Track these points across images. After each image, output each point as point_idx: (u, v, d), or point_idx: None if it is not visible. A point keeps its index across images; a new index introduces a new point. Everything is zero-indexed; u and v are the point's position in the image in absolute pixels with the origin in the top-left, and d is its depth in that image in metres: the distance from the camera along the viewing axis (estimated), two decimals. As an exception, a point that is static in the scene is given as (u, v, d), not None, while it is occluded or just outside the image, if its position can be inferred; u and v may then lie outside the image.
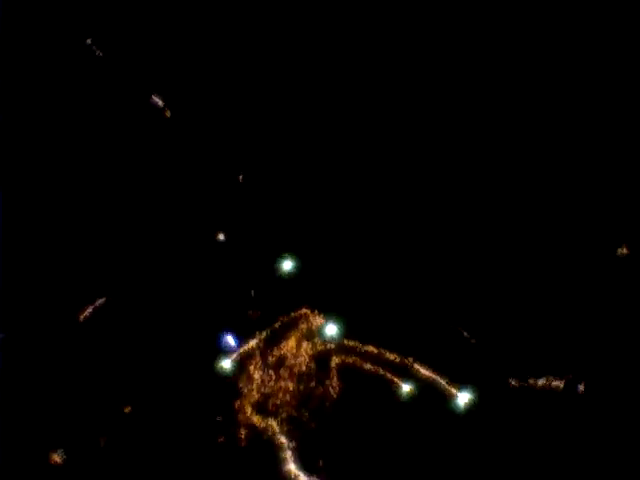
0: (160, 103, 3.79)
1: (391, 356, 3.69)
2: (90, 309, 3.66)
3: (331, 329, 3.72)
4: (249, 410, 3.63)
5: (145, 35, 3.82)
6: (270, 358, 3.69)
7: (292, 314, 3.74)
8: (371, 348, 3.70)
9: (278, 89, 3.84)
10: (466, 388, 3.63)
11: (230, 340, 3.67)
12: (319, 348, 3.72)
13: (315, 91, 3.84)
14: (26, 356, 3.63)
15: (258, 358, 3.68)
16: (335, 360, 3.71)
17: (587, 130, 3.75)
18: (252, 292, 3.70)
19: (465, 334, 3.69)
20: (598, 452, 3.53)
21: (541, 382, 3.62)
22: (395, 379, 3.66)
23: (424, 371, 3.66)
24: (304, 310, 3.75)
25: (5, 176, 3.71)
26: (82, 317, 3.65)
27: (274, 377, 3.67)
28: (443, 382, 3.64)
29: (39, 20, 3.78)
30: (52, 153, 3.79)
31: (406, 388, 3.65)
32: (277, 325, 3.73)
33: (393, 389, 3.66)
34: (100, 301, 3.68)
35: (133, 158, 3.81)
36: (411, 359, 3.66)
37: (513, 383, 3.63)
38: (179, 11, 3.83)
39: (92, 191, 3.78)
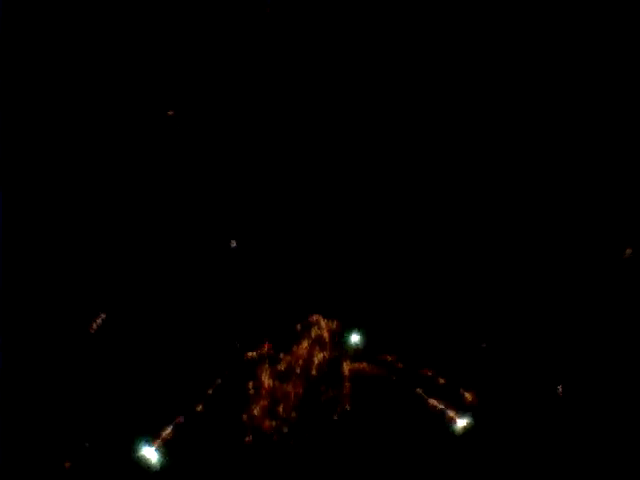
0: (170, 113, 3.78)
1: (405, 364, 3.67)
2: (101, 317, 3.64)
3: (344, 336, 3.70)
4: (258, 416, 3.61)
5: (149, 37, 3.82)
6: (281, 364, 3.67)
7: (305, 320, 3.72)
8: (385, 355, 3.68)
9: (291, 99, 3.84)
10: (481, 397, 3.62)
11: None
12: (331, 355, 3.70)
13: (322, 97, 3.84)
14: (31, 361, 3.61)
15: (268, 364, 3.66)
16: (347, 367, 3.69)
17: (588, 131, 3.76)
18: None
19: (480, 342, 3.68)
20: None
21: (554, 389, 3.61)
22: (409, 388, 3.65)
23: (438, 378, 3.65)
24: (317, 316, 3.73)
25: (6, 177, 3.69)
26: (95, 325, 3.63)
27: (284, 383, 3.65)
28: (459, 391, 3.63)
29: (41, 20, 3.77)
30: (62, 161, 3.77)
31: (422, 398, 3.63)
32: (289, 331, 3.71)
33: (407, 398, 3.64)
34: (107, 309, 3.67)
35: (143, 163, 3.80)
36: (428, 370, 3.65)
37: (525, 389, 3.63)
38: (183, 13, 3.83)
39: (98, 195, 3.76)
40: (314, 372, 3.66)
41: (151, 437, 3.52)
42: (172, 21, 3.81)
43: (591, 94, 3.76)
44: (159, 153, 3.80)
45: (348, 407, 3.62)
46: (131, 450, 3.52)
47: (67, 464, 3.47)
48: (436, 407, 3.61)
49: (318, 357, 3.68)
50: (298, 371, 3.65)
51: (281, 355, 3.66)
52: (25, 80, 3.75)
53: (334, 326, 3.72)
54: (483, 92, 3.80)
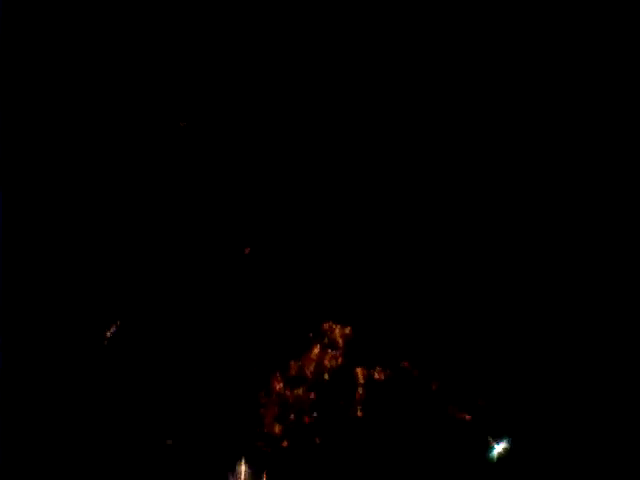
0: (182, 124, 3.81)
1: (419, 371, 3.66)
2: (114, 327, 3.68)
3: (357, 342, 3.71)
4: (270, 421, 3.62)
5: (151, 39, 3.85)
6: (292, 370, 3.67)
7: (317, 327, 3.73)
8: (400, 361, 3.68)
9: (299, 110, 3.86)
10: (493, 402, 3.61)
11: None
12: (345, 361, 3.70)
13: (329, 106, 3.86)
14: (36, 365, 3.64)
15: (281, 370, 3.67)
16: (361, 373, 3.68)
17: (589, 131, 3.73)
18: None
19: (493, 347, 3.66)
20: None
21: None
22: (423, 394, 3.63)
23: (449, 383, 3.63)
24: (329, 323, 3.73)
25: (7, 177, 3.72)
26: (109, 334, 3.67)
27: (296, 389, 3.65)
28: (473, 398, 3.61)
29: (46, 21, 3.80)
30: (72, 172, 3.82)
31: (436, 404, 3.62)
32: (301, 337, 3.71)
33: (421, 404, 3.63)
34: (122, 317, 3.71)
35: (157, 170, 3.84)
36: (437, 382, 3.64)
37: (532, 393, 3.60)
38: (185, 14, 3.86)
39: (103, 199, 3.79)
40: (327, 378, 3.66)
41: (159, 442, 3.55)
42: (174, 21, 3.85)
43: (591, 94, 3.74)
44: (165, 155, 3.84)
45: (360, 413, 3.61)
46: (137, 455, 3.56)
47: (67, 465, 3.51)
48: (451, 414, 3.60)
49: (331, 363, 3.68)
50: (310, 377, 3.66)
51: (292, 362, 3.67)
52: (28, 83, 3.79)
53: (348, 332, 3.72)
54: (483, 92, 3.80)
